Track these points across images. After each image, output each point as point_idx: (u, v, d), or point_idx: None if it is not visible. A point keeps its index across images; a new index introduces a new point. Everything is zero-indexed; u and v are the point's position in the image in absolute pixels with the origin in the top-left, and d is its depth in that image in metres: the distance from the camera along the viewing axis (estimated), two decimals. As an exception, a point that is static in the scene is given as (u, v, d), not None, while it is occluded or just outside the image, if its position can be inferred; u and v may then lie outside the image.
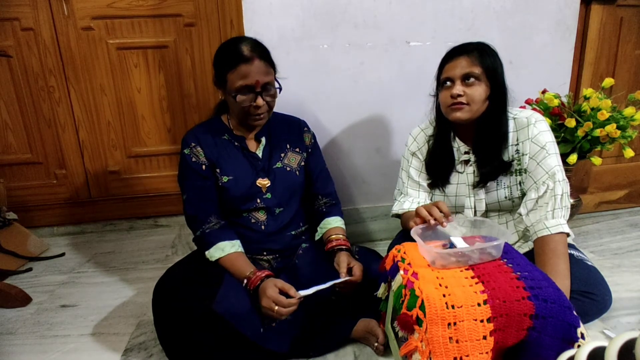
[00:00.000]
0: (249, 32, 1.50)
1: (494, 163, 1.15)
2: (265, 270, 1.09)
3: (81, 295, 1.41)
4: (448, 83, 1.13)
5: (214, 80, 1.18)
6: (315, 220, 1.32)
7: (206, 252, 1.13)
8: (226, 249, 1.12)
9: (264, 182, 1.21)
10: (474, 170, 1.20)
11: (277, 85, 1.17)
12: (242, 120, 1.19)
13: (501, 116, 1.14)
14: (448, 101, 1.12)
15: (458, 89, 1.09)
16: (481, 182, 1.18)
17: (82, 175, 1.85)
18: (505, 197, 1.19)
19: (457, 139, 1.23)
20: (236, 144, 1.23)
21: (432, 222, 1.02)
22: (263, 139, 1.25)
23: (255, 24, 1.50)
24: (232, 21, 1.68)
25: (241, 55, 1.09)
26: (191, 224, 1.18)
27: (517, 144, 1.15)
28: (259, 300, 1.03)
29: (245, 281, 1.08)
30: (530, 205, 1.13)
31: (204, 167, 1.18)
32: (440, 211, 1.02)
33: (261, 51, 1.12)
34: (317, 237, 1.31)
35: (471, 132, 1.18)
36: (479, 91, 1.09)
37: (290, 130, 1.31)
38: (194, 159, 1.18)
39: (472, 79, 1.09)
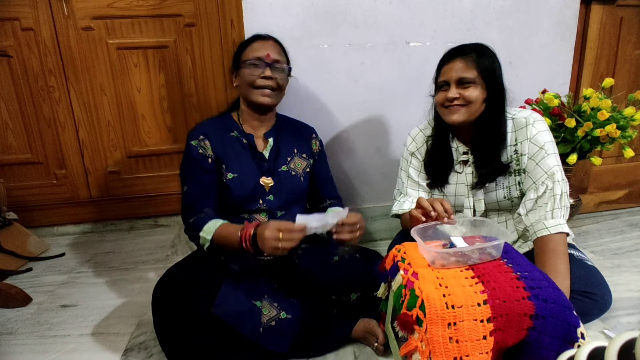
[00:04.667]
0: (249, 31, 1.50)
1: (492, 164, 1.15)
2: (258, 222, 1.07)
3: (81, 295, 1.41)
4: (444, 86, 1.13)
5: (230, 68, 1.28)
6: None
7: (200, 238, 1.11)
8: (215, 225, 1.10)
9: (267, 180, 1.22)
10: (472, 171, 1.20)
11: (288, 67, 1.24)
12: (248, 99, 1.21)
13: (499, 117, 1.14)
14: (444, 104, 1.13)
15: (453, 92, 1.11)
16: (479, 183, 1.18)
17: (82, 175, 1.85)
18: (504, 197, 1.19)
19: (455, 139, 1.23)
20: (244, 141, 1.24)
21: (433, 214, 1.02)
22: (271, 140, 1.26)
23: (256, 23, 1.50)
24: (232, 21, 1.68)
25: (258, 35, 1.24)
26: (185, 214, 1.16)
27: (516, 144, 1.15)
28: (261, 241, 0.98)
29: (239, 233, 1.03)
30: (529, 206, 1.13)
31: (210, 160, 1.19)
32: (444, 209, 1.02)
33: (277, 39, 1.25)
34: None
35: (469, 133, 1.18)
36: (475, 94, 1.10)
37: (299, 136, 1.32)
38: (200, 151, 1.18)
39: (467, 83, 1.09)
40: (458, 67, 1.10)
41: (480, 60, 1.09)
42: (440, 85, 1.15)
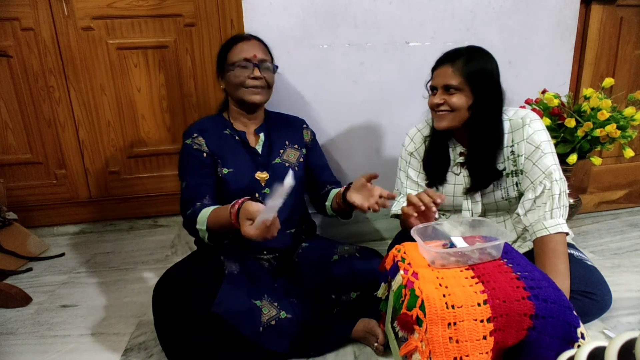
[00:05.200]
0: (248, 31, 1.49)
1: (486, 170, 1.15)
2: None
3: (81, 295, 1.41)
4: (434, 90, 1.15)
5: (216, 71, 1.27)
6: (322, 203, 1.33)
7: (199, 232, 1.09)
8: (207, 212, 1.07)
9: (262, 175, 1.23)
10: (469, 174, 1.20)
11: (273, 65, 1.25)
12: (239, 98, 1.22)
13: (492, 121, 1.13)
14: (434, 108, 1.14)
15: (438, 98, 1.12)
16: (472, 189, 1.18)
17: (82, 175, 1.85)
18: (502, 198, 1.19)
19: (453, 139, 1.23)
20: (237, 138, 1.25)
21: (422, 207, 1.01)
22: (262, 135, 1.28)
23: (256, 23, 1.50)
24: (232, 21, 1.68)
25: (240, 36, 1.25)
26: (184, 207, 1.15)
27: (512, 145, 1.15)
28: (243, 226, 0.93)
29: (229, 216, 0.99)
30: (528, 206, 1.12)
31: (205, 154, 1.20)
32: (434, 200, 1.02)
33: (259, 38, 1.26)
34: (327, 204, 1.29)
35: (465, 134, 1.18)
36: (459, 101, 1.10)
37: (290, 128, 1.34)
38: (195, 147, 1.20)
39: (452, 89, 1.10)
40: (444, 74, 1.10)
41: (468, 65, 1.08)
42: (431, 89, 1.16)
